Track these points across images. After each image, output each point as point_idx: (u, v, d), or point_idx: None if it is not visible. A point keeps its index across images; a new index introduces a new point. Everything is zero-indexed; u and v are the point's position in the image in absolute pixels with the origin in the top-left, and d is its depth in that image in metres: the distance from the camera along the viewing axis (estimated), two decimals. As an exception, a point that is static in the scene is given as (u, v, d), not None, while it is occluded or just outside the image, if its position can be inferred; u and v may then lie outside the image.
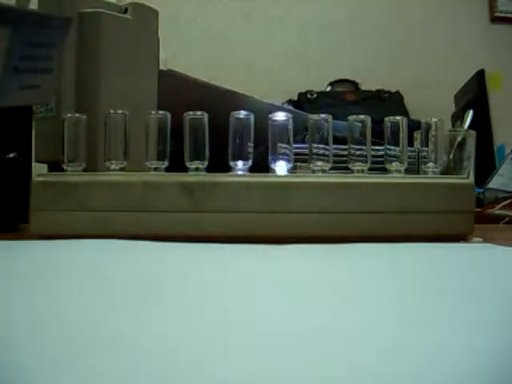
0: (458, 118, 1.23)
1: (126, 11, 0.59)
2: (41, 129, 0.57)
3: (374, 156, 0.46)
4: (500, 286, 0.26)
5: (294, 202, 0.42)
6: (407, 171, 0.46)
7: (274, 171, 0.44)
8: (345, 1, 2.06)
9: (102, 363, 0.15)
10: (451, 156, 0.71)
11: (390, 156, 0.45)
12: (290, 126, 0.45)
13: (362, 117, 0.45)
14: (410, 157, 0.51)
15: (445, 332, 0.18)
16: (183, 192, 0.42)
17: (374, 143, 0.46)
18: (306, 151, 0.46)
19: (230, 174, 0.44)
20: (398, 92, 1.96)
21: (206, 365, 0.15)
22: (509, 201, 0.74)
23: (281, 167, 0.44)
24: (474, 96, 1.27)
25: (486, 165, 1.00)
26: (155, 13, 0.62)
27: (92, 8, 0.57)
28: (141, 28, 0.60)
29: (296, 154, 0.48)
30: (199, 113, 0.44)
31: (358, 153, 0.45)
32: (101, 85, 0.56)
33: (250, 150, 0.44)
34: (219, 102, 0.72)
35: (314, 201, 0.42)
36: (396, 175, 0.45)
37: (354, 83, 2.00)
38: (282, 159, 0.44)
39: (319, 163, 0.45)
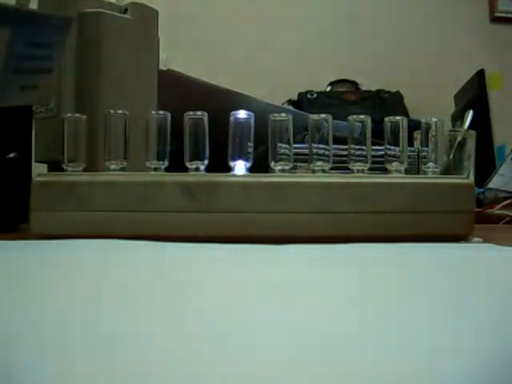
0: (457, 117, 1.23)
1: (125, 11, 0.59)
2: (41, 129, 0.57)
3: (374, 156, 0.46)
4: (500, 286, 0.26)
5: (294, 201, 0.42)
6: (407, 171, 0.46)
7: (274, 171, 0.44)
8: (345, 1, 2.06)
9: (102, 363, 0.15)
10: (451, 156, 0.71)
11: (389, 156, 0.45)
12: (290, 126, 0.45)
13: (362, 117, 0.45)
14: (410, 157, 0.51)
15: (444, 332, 0.18)
16: (183, 192, 0.42)
17: (373, 143, 0.46)
18: (306, 151, 0.46)
19: (230, 173, 0.44)
20: (398, 92, 1.96)
21: (206, 365, 0.15)
22: (509, 201, 0.74)
23: (280, 167, 0.44)
24: (474, 96, 1.28)
25: (486, 165, 1.00)
26: (155, 13, 0.62)
27: (92, 8, 0.57)
28: (141, 28, 0.60)
29: (296, 154, 0.48)
30: (199, 113, 0.44)
31: (358, 153, 0.45)
32: (101, 85, 0.56)
33: (250, 150, 0.44)
34: (219, 101, 0.72)
35: (314, 201, 0.42)
36: (396, 175, 0.45)
37: (354, 83, 2.00)
38: (281, 159, 0.44)
39: (319, 163, 0.45)
